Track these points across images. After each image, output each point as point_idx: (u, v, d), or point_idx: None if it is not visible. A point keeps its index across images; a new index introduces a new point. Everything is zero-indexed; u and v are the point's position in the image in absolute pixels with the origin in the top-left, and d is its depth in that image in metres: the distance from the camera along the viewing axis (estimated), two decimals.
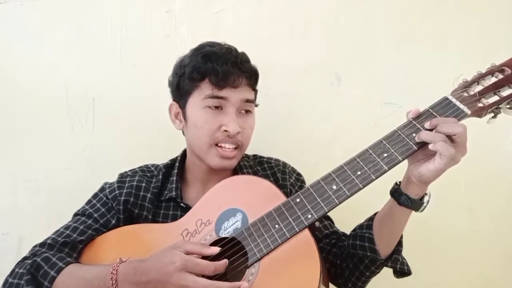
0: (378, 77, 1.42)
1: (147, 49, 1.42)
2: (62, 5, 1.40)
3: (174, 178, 1.11)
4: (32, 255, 0.97)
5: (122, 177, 1.11)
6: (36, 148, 1.38)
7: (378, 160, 0.85)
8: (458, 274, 1.41)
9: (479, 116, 0.86)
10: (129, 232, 1.01)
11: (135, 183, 1.08)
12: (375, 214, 0.98)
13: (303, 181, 1.19)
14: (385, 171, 0.84)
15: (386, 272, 0.99)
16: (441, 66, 1.40)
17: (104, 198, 1.08)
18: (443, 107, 0.86)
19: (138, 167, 1.16)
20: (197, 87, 1.04)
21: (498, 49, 1.39)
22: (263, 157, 1.22)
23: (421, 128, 0.84)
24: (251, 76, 1.07)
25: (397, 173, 0.89)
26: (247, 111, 1.08)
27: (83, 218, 1.04)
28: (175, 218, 1.04)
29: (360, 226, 1.00)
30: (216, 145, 1.04)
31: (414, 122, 0.86)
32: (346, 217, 1.10)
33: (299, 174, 1.20)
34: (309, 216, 0.87)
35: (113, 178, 1.13)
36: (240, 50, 1.10)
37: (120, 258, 0.89)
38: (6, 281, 0.93)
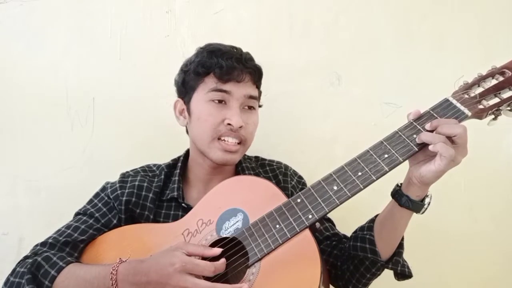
0: (378, 77, 1.42)
1: (147, 49, 1.42)
2: (62, 5, 1.40)
3: (176, 178, 1.11)
4: (33, 254, 0.97)
5: (124, 177, 1.12)
6: (36, 148, 1.38)
7: (379, 161, 0.85)
8: (458, 274, 1.41)
9: (480, 118, 0.86)
10: (130, 232, 1.01)
11: (137, 183, 1.08)
12: (376, 216, 0.98)
13: (304, 184, 1.19)
14: (386, 172, 0.84)
15: (387, 274, 0.99)
16: (441, 66, 1.40)
17: (106, 198, 1.08)
18: (444, 109, 0.86)
19: (140, 167, 1.17)
20: (202, 82, 1.06)
21: (498, 49, 1.40)
22: (265, 160, 1.23)
23: (421, 130, 0.84)
24: (255, 73, 1.09)
25: (398, 174, 0.89)
26: (251, 107, 1.09)
27: (84, 218, 1.05)
28: (176, 218, 1.04)
29: (361, 228, 1.00)
30: (219, 139, 1.05)
31: (415, 123, 0.86)
32: (347, 218, 1.11)
33: (300, 177, 1.20)
34: (310, 216, 0.87)
35: (113, 178, 1.13)
36: None
37: (120, 258, 0.89)
38: (7, 279, 0.93)
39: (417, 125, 0.85)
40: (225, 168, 1.12)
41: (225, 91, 1.04)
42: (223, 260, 0.86)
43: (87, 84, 1.40)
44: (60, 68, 1.40)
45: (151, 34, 1.42)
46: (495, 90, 0.85)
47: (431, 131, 0.83)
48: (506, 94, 0.85)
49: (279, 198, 0.92)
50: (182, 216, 1.01)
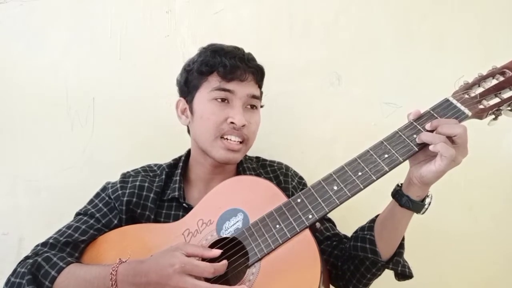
0: (378, 77, 1.42)
1: (147, 49, 1.42)
2: (62, 5, 1.40)
3: (177, 178, 1.11)
4: (34, 254, 0.97)
5: (125, 177, 1.12)
6: (36, 148, 1.38)
7: (379, 161, 0.85)
8: (459, 274, 1.41)
9: (480, 118, 0.86)
10: (130, 232, 1.01)
11: (138, 183, 1.08)
12: (376, 216, 0.98)
13: (305, 185, 1.19)
14: (386, 172, 0.84)
15: (387, 275, 0.99)
16: (441, 66, 1.40)
17: (107, 198, 1.08)
18: (444, 109, 0.86)
19: (141, 167, 1.17)
20: (205, 81, 1.06)
21: (498, 49, 1.40)
22: (266, 160, 1.23)
23: (421, 130, 0.84)
24: (257, 72, 1.09)
25: (398, 174, 0.89)
26: (253, 107, 1.10)
27: (85, 218, 1.05)
28: (177, 218, 1.04)
29: (362, 228, 1.00)
30: (222, 137, 1.05)
31: (415, 124, 0.86)
32: (347, 218, 1.11)
33: (301, 178, 1.21)
34: (310, 216, 0.87)
35: (113, 178, 1.13)
36: None
37: (120, 259, 0.89)
38: (8, 280, 0.93)
39: (417, 125, 0.85)
40: (226, 168, 1.12)
41: (228, 90, 1.04)
42: (224, 262, 0.86)
43: (87, 84, 1.40)
44: (60, 68, 1.40)
45: (151, 34, 1.42)
46: (496, 90, 0.85)
47: (431, 131, 0.83)
48: (506, 94, 0.85)
49: (280, 198, 0.92)
50: (183, 216, 1.01)
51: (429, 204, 0.88)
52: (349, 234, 1.05)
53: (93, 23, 1.41)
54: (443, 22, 1.43)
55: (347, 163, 0.88)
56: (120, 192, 1.06)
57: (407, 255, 0.99)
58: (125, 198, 1.05)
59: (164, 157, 1.20)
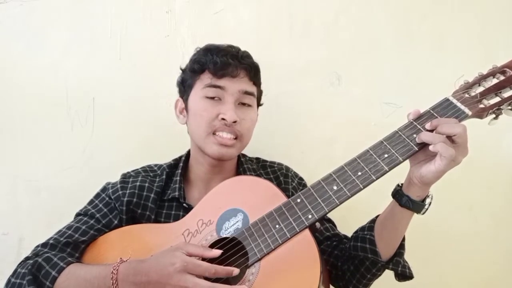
0: (378, 77, 1.42)
1: (147, 49, 1.42)
2: (62, 5, 1.40)
3: (178, 178, 1.11)
4: (34, 255, 0.97)
5: (125, 177, 1.12)
6: (36, 148, 1.38)
7: (379, 161, 0.85)
8: (459, 274, 1.41)
9: (480, 117, 0.86)
10: (130, 232, 1.01)
11: (138, 183, 1.08)
12: (377, 216, 0.98)
13: (305, 185, 1.19)
14: (386, 172, 0.84)
15: (388, 275, 0.99)
16: (441, 66, 1.40)
17: (107, 198, 1.08)
18: (444, 108, 0.86)
19: (141, 168, 1.17)
20: (198, 79, 1.08)
21: (498, 49, 1.40)
22: (266, 161, 1.23)
23: (421, 129, 0.84)
24: (251, 69, 1.09)
25: (398, 174, 0.89)
26: (247, 105, 1.09)
27: (85, 218, 1.05)
28: (177, 218, 1.04)
29: (362, 228, 1.00)
30: (214, 133, 1.05)
31: (415, 123, 0.86)
32: (347, 218, 1.11)
33: (301, 179, 1.21)
34: (310, 216, 0.87)
35: (113, 178, 1.13)
36: None
37: (120, 258, 0.89)
38: (8, 280, 0.93)
39: (417, 125, 0.85)
40: (226, 167, 1.12)
41: (219, 87, 1.05)
42: (236, 270, 0.85)
43: (87, 84, 1.40)
44: (60, 68, 1.39)
45: (151, 34, 1.42)
46: (496, 89, 0.85)
47: (431, 130, 0.83)
48: (507, 93, 0.85)
49: (280, 198, 0.92)
50: (183, 216, 1.01)
51: (430, 204, 0.88)
52: (349, 234, 1.05)
53: (93, 23, 1.41)
54: (443, 22, 1.43)
55: (347, 163, 0.88)
56: (120, 192, 1.06)
57: (407, 255, 0.99)
58: (125, 199, 1.05)
59: (164, 157, 1.20)
